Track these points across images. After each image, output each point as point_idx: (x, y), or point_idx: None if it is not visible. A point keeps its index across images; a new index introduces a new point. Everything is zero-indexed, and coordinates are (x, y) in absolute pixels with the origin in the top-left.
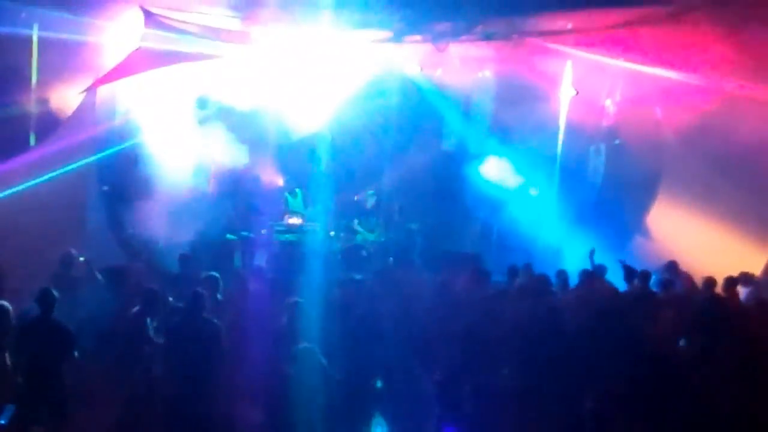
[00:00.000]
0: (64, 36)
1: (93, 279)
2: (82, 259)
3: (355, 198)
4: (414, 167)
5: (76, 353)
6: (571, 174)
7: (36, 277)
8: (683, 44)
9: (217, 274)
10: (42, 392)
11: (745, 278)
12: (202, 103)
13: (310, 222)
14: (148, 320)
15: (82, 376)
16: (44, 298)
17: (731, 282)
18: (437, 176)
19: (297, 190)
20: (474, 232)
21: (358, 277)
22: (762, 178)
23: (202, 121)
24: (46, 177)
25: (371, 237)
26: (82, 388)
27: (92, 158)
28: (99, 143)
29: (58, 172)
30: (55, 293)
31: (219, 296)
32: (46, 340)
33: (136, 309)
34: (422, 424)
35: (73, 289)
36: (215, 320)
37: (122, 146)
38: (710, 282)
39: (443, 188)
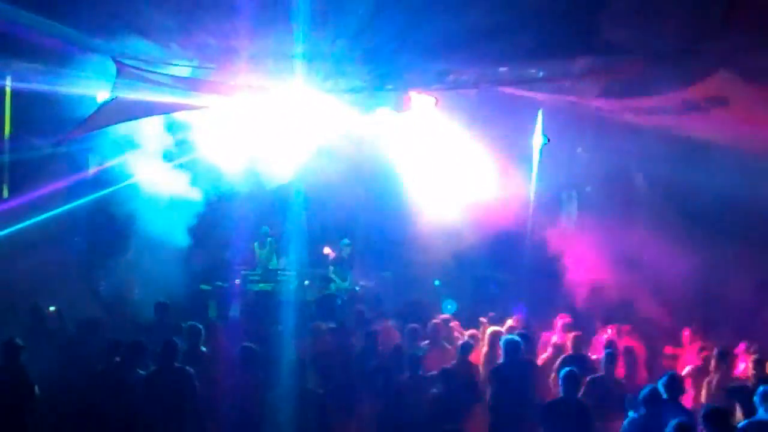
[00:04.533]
0: (37, 87)
1: (65, 331)
2: (52, 308)
3: (329, 250)
4: (387, 216)
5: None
6: (544, 221)
7: (7, 327)
8: (652, 91)
9: (200, 325)
10: None
11: None
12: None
13: (284, 271)
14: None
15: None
16: (8, 349)
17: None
18: (410, 224)
19: (267, 240)
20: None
21: (331, 325)
22: (740, 227)
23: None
24: (19, 227)
25: (345, 286)
26: None
27: (66, 209)
28: (73, 194)
29: (30, 222)
30: (20, 343)
31: (203, 348)
32: (7, 390)
33: (117, 359)
34: None
35: (45, 341)
36: (188, 368)
37: (96, 196)
38: None
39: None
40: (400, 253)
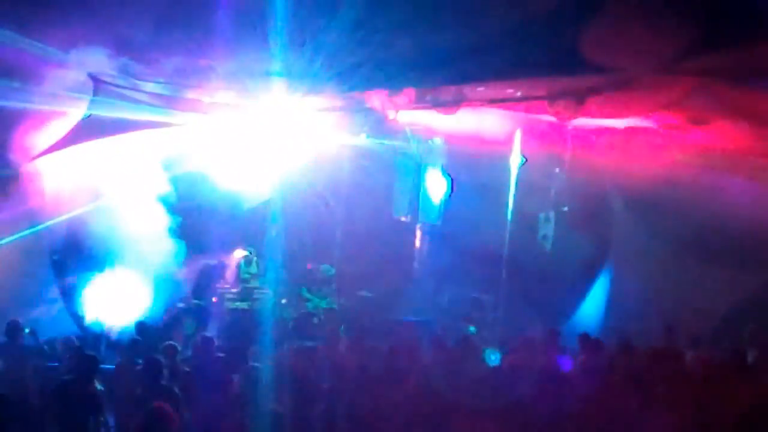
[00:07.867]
0: (11, 104)
1: (40, 350)
2: (27, 330)
3: (308, 267)
4: (365, 235)
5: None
6: (521, 241)
7: None
8: (630, 112)
9: (175, 343)
10: None
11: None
12: None
13: (262, 289)
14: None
15: None
16: None
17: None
18: (388, 244)
19: (253, 258)
20: (425, 300)
21: (309, 344)
22: (714, 246)
23: None
24: None
25: (323, 304)
26: None
27: (41, 228)
28: (47, 213)
29: (5, 241)
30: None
31: (183, 368)
32: None
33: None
34: None
35: (20, 360)
36: (174, 388)
37: (71, 215)
38: None
39: (394, 256)
40: (379, 271)
